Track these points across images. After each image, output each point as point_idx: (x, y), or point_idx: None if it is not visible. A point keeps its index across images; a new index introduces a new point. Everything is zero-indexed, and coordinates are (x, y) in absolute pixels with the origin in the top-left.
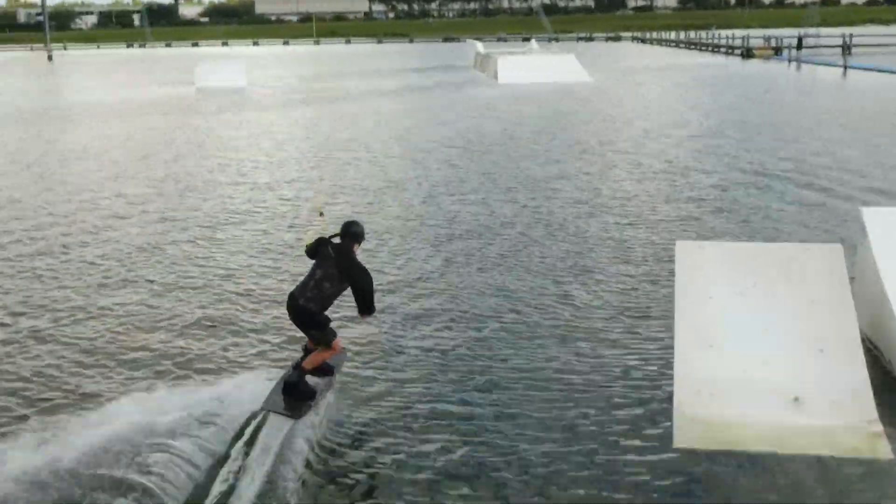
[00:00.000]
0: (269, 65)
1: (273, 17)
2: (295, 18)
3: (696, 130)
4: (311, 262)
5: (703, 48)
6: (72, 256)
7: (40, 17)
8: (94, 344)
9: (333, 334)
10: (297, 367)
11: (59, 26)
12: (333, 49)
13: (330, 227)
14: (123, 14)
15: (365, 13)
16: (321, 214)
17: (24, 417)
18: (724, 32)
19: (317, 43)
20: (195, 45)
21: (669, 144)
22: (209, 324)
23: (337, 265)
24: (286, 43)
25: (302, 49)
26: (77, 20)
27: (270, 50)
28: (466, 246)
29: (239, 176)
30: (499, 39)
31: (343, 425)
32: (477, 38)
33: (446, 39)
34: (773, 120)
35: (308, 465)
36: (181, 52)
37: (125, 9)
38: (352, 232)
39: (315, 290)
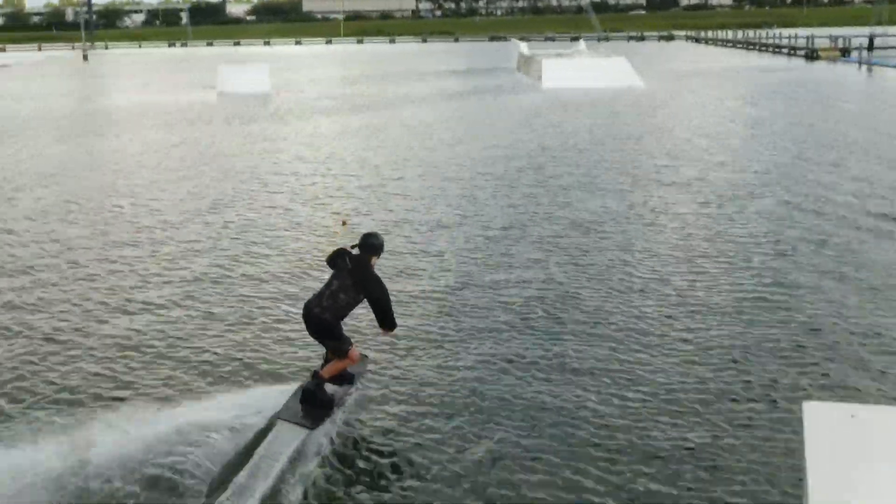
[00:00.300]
0: (305, 66)
1: (319, 16)
2: (341, 16)
3: (770, 151)
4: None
5: (762, 49)
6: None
7: (90, 16)
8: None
9: (349, 344)
10: (315, 375)
11: (108, 24)
12: (376, 49)
13: (352, 238)
14: (170, 12)
15: (413, 11)
16: (344, 224)
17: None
18: (784, 32)
19: (360, 42)
20: (237, 44)
21: (738, 170)
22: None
23: (352, 276)
24: (329, 42)
25: (344, 48)
26: (125, 18)
27: (312, 49)
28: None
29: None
30: (546, 39)
31: (358, 436)
32: (523, 38)
33: (492, 38)
34: (862, 138)
35: (316, 475)
36: (222, 51)
37: (174, 6)
38: (369, 244)
39: (330, 301)
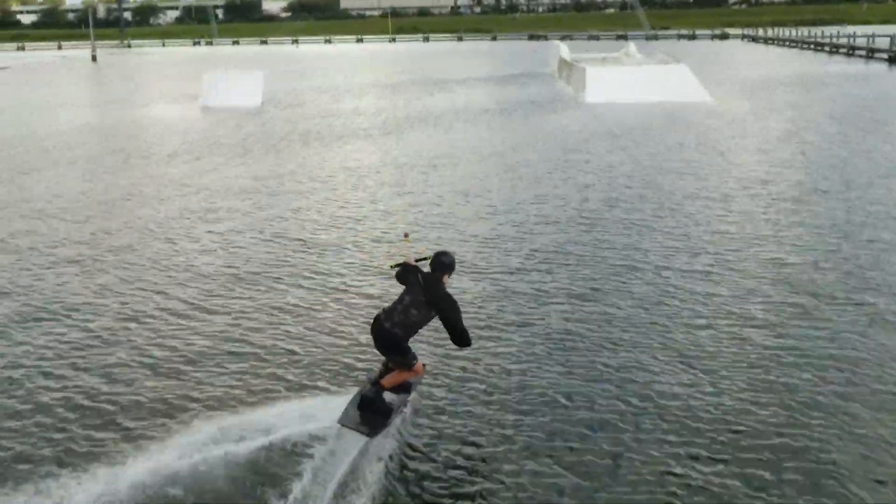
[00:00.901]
0: (320, 70)
1: (355, 13)
2: (377, 13)
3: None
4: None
5: (832, 50)
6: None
7: (120, 13)
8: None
9: (415, 358)
10: (375, 382)
11: (141, 22)
12: (408, 48)
13: (413, 251)
14: (202, 9)
15: (451, 7)
16: (406, 236)
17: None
18: (854, 30)
19: (392, 41)
20: (263, 42)
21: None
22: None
23: (425, 293)
24: (360, 40)
25: (376, 47)
26: (161, 15)
27: (340, 48)
28: None
29: None
30: (589, 38)
31: (416, 443)
32: (565, 37)
33: (531, 37)
34: None
35: (376, 482)
36: (247, 50)
37: (208, 2)
38: (441, 262)
39: (402, 316)
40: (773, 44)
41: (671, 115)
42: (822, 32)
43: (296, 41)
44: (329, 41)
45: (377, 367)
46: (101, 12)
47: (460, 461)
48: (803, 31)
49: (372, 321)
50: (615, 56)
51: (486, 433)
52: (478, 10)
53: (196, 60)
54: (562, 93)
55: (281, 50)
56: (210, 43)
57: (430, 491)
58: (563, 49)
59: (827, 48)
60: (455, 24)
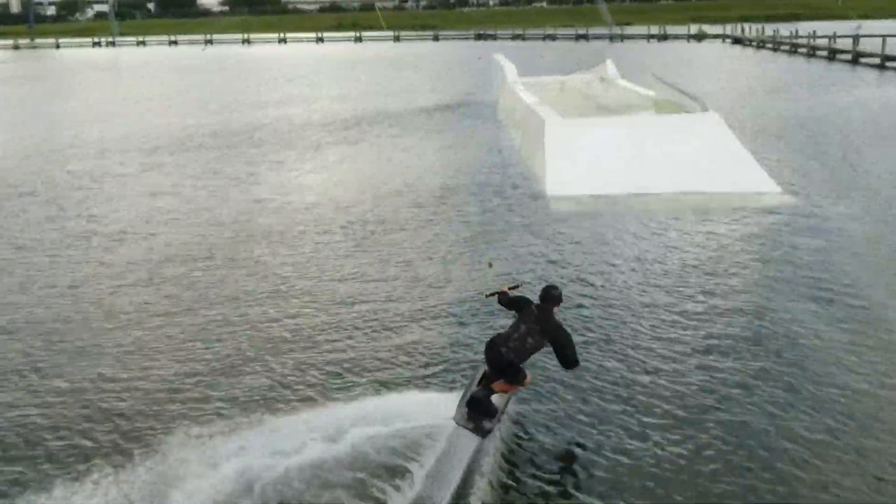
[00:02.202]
0: (162, 98)
1: (303, 7)
2: (315, 7)
3: None
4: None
5: (831, 56)
6: None
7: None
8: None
9: (525, 373)
10: (487, 385)
11: (65, 17)
12: (333, 50)
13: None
14: (134, 5)
15: (399, 1)
16: (490, 265)
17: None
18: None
19: (320, 41)
20: (173, 43)
21: None
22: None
23: (538, 323)
24: (282, 40)
25: (291, 50)
26: (87, 10)
27: (241, 52)
28: None
29: None
30: (545, 37)
31: (522, 443)
32: (517, 36)
33: (479, 36)
34: None
35: (490, 481)
36: (149, 53)
37: None
38: (553, 296)
39: (517, 342)
40: (764, 48)
41: (722, 255)
42: (815, 32)
43: (210, 41)
44: (284, 40)
45: (481, 366)
46: (15, 7)
47: (567, 460)
48: (790, 30)
49: (486, 345)
50: (587, 80)
51: (586, 431)
52: (423, 3)
53: (57, 71)
54: (508, 161)
55: (189, 53)
56: (112, 44)
57: (540, 490)
58: (508, 68)
59: (853, 57)
60: (401, 20)
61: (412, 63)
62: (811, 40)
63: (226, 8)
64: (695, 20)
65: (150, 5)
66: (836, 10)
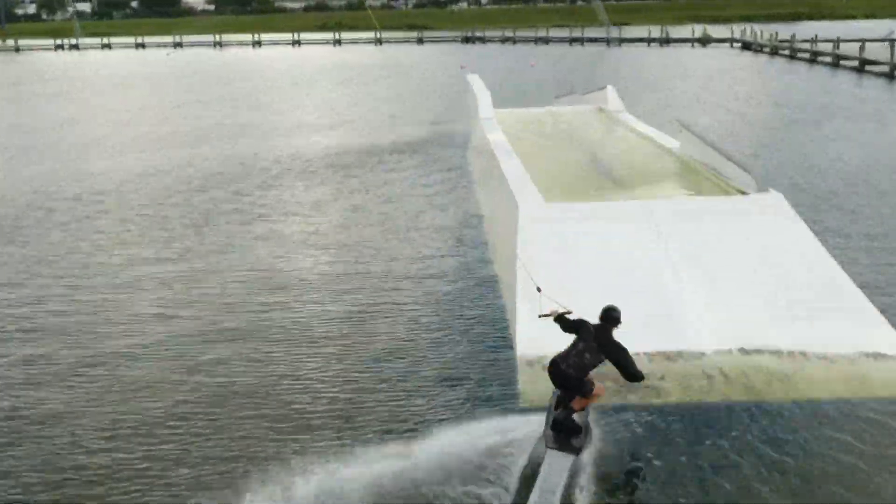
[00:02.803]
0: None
1: (282, 6)
2: (301, 6)
3: None
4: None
5: (861, 67)
6: None
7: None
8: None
9: (593, 385)
10: (563, 405)
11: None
12: (305, 56)
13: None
14: (116, 3)
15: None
16: (539, 291)
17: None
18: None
19: (296, 44)
20: (140, 46)
21: None
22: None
23: (597, 341)
24: (257, 44)
25: (264, 56)
26: (69, 8)
27: (211, 57)
28: None
29: None
30: (537, 41)
31: (611, 460)
32: (506, 39)
33: (466, 39)
34: None
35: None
36: (111, 57)
37: None
38: (612, 317)
39: (576, 359)
40: (778, 54)
41: None
42: (839, 38)
43: (179, 44)
44: (259, 43)
45: (554, 392)
46: None
47: (654, 473)
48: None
49: (549, 365)
50: (582, 114)
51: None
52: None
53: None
54: (470, 266)
55: (153, 58)
56: (76, 46)
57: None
58: (481, 98)
59: (855, 63)
60: (388, 20)
61: (387, 74)
62: (836, 47)
63: (211, 7)
64: (694, 19)
65: (134, 3)
66: (839, 8)
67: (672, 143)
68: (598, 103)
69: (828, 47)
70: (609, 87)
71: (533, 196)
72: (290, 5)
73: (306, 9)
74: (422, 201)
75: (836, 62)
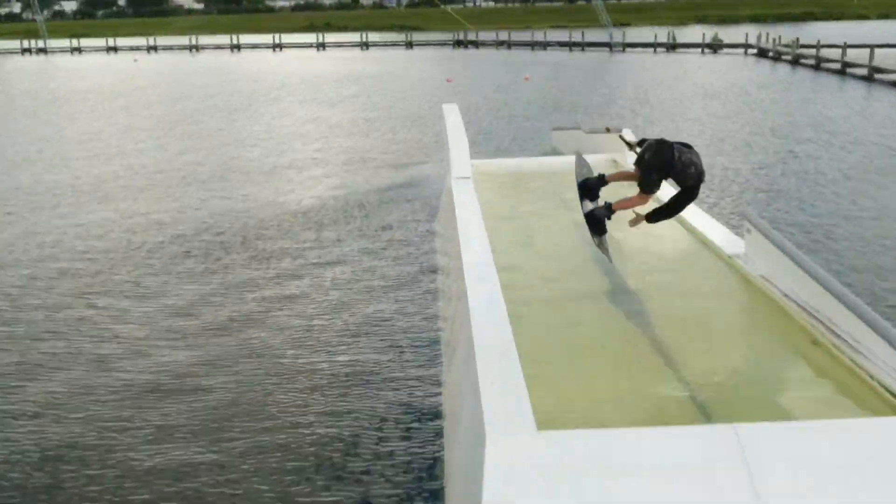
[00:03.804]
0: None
1: (274, 4)
2: (289, 4)
3: None
4: None
5: None
6: None
7: None
8: None
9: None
10: (608, 206)
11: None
12: (283, 62)
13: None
14: (101, 2)
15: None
16: (608, 130)
17: None
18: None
19: (277, 48)
20: (112, 49)
21: None
22: None
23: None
24: (235, 48)
25: (242, 62)
26: (56, 5)
27: (181, 65)
28: None
29: None
30: (534, 47)
31: None
32: (501, 43)
33: (458, 43)
34: None
35: None
36: (77, 63)
37: None
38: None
39: (689, 156)
40: (799, 63)
41: None
42: (873, 51)
43: (154, 48)
44: (238, 47)
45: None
46: None
47: None
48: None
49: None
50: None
51: None
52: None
53: None
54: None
55: (119, 65)
56: (43, 50)
57: None
58: (456, 144)
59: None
60: (378, 20)
61: (362, 90)
62: (871, 58)
63: (200, 6)
64: (699, 20)
65: (121, 1)
66: (851, 8)
67: (735, 246)
68: (609, 149)
69: (861, 56)
70: (625, 131)
71: (510, 422)
72: (279, 3)
73: (294, 8)
74: (355, 353)
75: (871, 76)
